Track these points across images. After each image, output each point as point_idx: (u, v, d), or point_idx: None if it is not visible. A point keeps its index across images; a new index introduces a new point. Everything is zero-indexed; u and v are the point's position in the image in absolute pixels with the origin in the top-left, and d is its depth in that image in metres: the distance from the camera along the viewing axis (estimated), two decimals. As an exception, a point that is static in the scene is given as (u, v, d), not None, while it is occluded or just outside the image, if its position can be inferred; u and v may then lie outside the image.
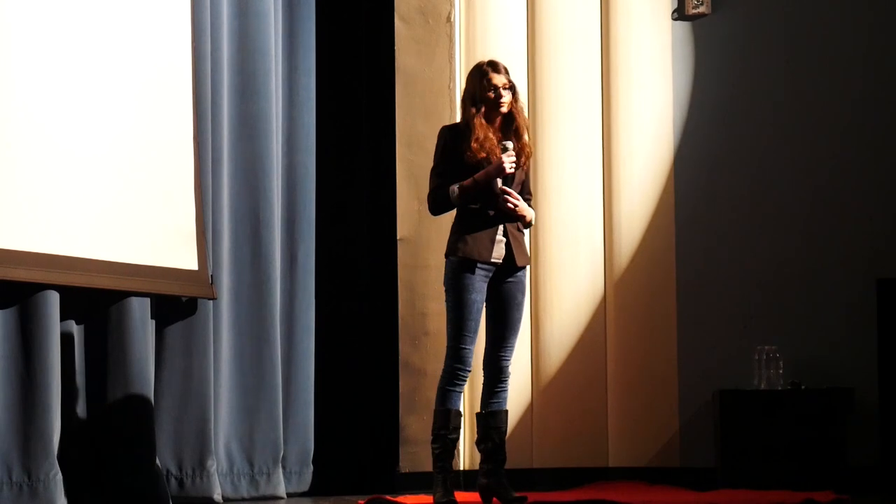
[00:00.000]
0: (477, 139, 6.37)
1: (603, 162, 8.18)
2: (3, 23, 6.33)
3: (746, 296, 8.02)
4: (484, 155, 6.37)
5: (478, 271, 6.40)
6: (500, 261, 6.43)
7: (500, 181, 6.37)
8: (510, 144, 6.40)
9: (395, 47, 8.22)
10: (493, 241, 6.41)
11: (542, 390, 8.07)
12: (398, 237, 8.10)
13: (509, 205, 6.37)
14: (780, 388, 7.69)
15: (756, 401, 7.66)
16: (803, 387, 7.67)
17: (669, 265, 8.07)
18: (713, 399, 7.83)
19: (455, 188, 6.40)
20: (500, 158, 6.35)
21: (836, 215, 7.98)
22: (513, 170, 6.38)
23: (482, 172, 6.38)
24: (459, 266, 6.40)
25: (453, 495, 6.41)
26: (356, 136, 8.45)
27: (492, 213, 6.39)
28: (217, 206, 7.47)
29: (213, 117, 7.43)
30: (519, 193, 6.47)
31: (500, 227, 6.43)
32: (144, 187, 6.97)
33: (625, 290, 8.08)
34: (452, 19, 8.20)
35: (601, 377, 8.08)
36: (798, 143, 8.04)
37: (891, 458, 7.52)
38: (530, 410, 8.07)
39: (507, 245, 6.44)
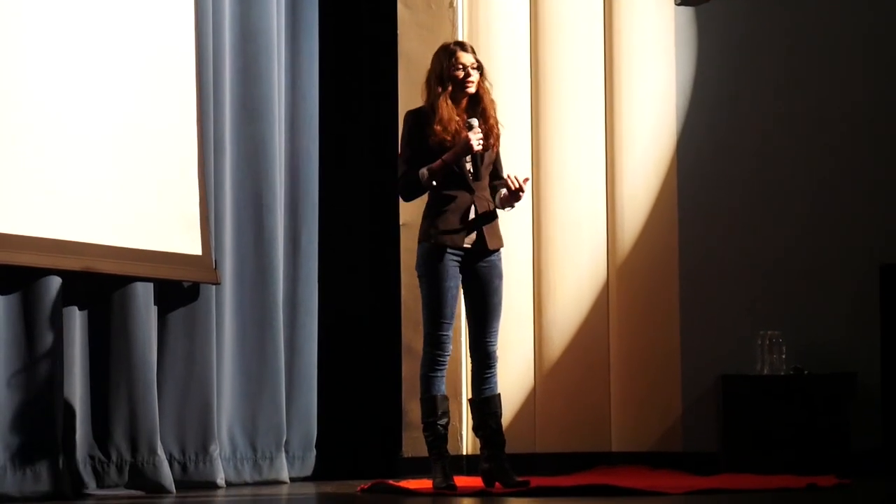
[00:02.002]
0: (441, 120, 6.34)
1: (606, 147, 8.17)
2: (4, 8, 6.33)
3: (749, 281, 8.01)
4: (448, 137, 6.34)
5: (449, 257, 6.38)
6: (471, 245, 6.41)
7: (506, 195, 6.36)
8: (475, 122, 6.35)
9: (398, 32, 8.21)
10: (464, 226, 6.38)
11: (545, 375, 8.07)
12: (401, 222, 8.10)
13: (510, 191, 6.38)
14: (782, 374, 7.70)
15: (759, 386, 7.66)
16: (806, 372, 7.68)
17: (672, 250, 8.06)
18: (716, 384, 7.83)
19: (424, 171, 6.38)
20: (467, 136, 6.33)
21: (840, 201, 7.97)
22: (480, 147, 6.36)
23: (450, 153, 6.34)
24: (431, 252, 6.39)
25: (452, 480, 6.42)
26: (359, 121, 8.44)
27: (507, 208, 6.42)
28: (219, 191, 7.47)
29: (216, 101, 7.42)
30: (492, 175, 6.46)
31: (472, 211, 6.40)
32: (147, 172, 6.97)
33: (627, 274, 8.08)
34: (455, 5, 8.19)
35: (604, 362, 8.09)
36: (801, 129, 8.03)
37: (894, 442, 7.52)
38: (533, 395, 8.08)
39: (479, 229, 6.42)
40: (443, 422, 6.45)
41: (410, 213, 8.06)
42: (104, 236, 6.71)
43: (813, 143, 8.02)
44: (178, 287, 7.17)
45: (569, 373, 8.05)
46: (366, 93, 8.44)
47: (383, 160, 8.24)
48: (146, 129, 6.98)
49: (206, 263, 7.23)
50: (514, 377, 7.99)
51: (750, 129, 8.08)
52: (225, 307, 7.47)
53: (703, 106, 8.11)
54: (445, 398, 6.47)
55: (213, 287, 7.28)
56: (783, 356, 7.73)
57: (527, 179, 6.45)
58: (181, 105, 7.17)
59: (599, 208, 8.15)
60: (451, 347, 6.45)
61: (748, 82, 8.09)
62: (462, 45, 6.48)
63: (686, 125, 8.12)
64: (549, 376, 8.07)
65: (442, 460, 6.44)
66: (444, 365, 6.45)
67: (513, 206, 6.49)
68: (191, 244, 7.16)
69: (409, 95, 8.09)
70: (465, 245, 6.39)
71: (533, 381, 8.09)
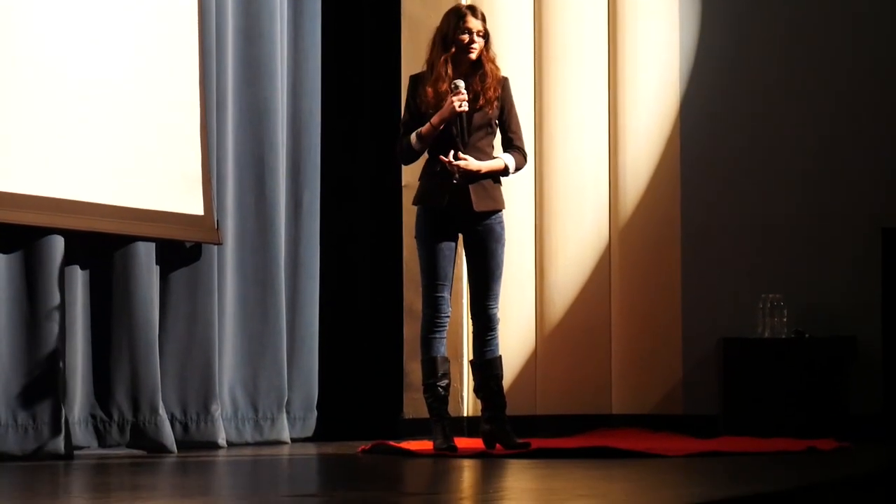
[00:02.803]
0: (434, 81, 6.34)
1: (609, 110, 8.16)
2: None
3: (751, 244, 8.02)
4: (438, 101, 6.31)
5: (439, 219, 6.39)
6: (458, 206, 6.37)
7: (451, 155, 6.31)
8: (461, 83, 6.32)
9: (401, -7, 8.20)
10: (449, 188, 6.38)
11: (546, 338, 8.08)
12: (403, 184, 8.09)
13: (460, 168, 6.32)
14: (783, 337, 7.71)
15: (760, 349, 7.67)
16: (807, 335, 7.69)
17: (674, 213, 8.06)
18: (717, 347, 7.84)
19: (414, 135, 6.38)
20: (451, 98, 6.32)
21: (842, 164, 7.97)
22: (464, 108, 6.33)
23: (436, 115, 6.34)
24: (422, 214, 6.43)
25: (452, 441, 6.44)
26: (361, 82, 8.43)
27: (455, 181, 6.35)
28: (222, 151, 7.46)
29: (218, 61, 7.41)
30: (491, 134, 6.43)
31: (458, 172, 6.38)
32: (150, 131, 6.97)
33: (629, 237, 8.08)
34: (459, -35, 8.16)
35: (605, 325, 8.10)
36: (804, 91, 8.02)
37: (894, 406, 7.54)
38: (534, 357, 8.09)
39: (466, 191, 6.40)
40: (443, 383, 6.47)
41: (412, 174, 8.02)
42: (106, 196, 6.71)
43: (815, 106, 8.01)
44: (180, 247, 7.17)
45: (570, 335, 8.06)
46: (368, 53, 8.43)
47: (386, 121, 8.23)
48: (148, 88, 6.97)
49: (208, 223, 7.23)
50: (515, 339, 8.00)
51: (753, 92, 8.07)
52: (227, 268, 7.48)
53: (706, 68, 8.10)
54: (446, 360, 6.49)
55: (215, 247, 7.28)
56: (784, 319, 7.74)
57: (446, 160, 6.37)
58: (183, 65, 7.16)
59: (602, 171, 8.14)
60: (448, 309, 6.46)
61: (751, 45, 8.07)
62: (473, 10, 6.44)
63: (689, 88, 8.10)
64: (551, 339, 8.08)
65: (442, 421, 6.46)
66: (442, 327, 6.46)
67: (466, 174, 6.36)
68: (193, 204, 7.16)
69: (412, 56, 8.08)
70: (450, 206, 6.38)
71: (534, 343, 8.10)
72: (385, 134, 8.24)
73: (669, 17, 8.12)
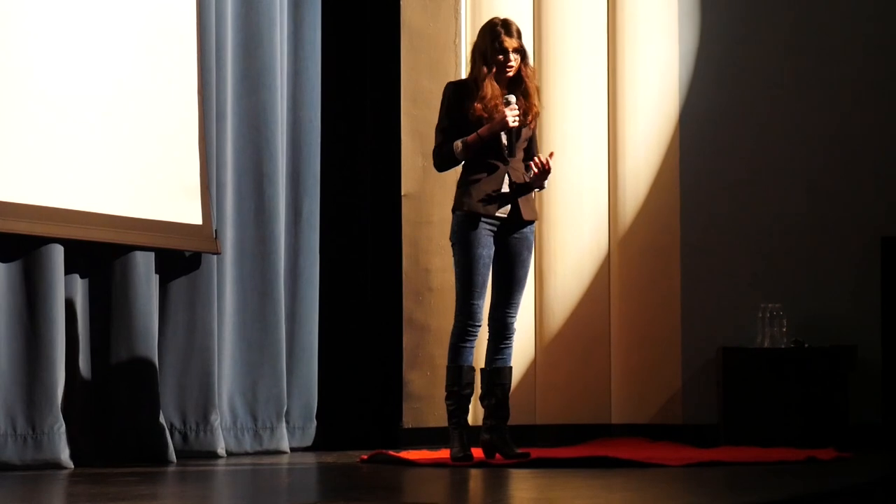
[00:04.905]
0: (482, 98, 6.37)
1: (608, 118, 8.16)
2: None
3: (750, 253, 8.02)
4: (486, 115, 6.36)
5: (483, 226, 6.40)
6: (506, 215, 6.43)
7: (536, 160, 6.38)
8: (513, 98, 6.38)
9: (401, 2, 8.18)
10: (498, 196, 6.41)
11: (546, 347, 8.08)
12: (402, 193, 8.09)
13: (537, 171, 6.39)
14: (783, 346, 7.70)
15: (759, 359, 7.67)
16: (806, 345, 7.68)
17: (674, 222, 8.06)
18: (716, 356, 7.84)
19: (459, 143, 6.40)
20: (503, 113, 6.34)
21: (842, 173, 7.97)
22: (516, 124, 6.37)
23: (486, 127, 6.37)
24: (465, 221, 6.41)
25: (469, 450, 6.45)
26: (361, 92, 8.42)
27: (539, 189, 6.47)
28: (221, 161, 7.46)
29: (218, 71, 7.41)
30: (526, 151, 6.47)
31: (506, 181, 6.42)
32: (149, 141, 6.97)
33: (629, 247, 8.08)
34: (458, -25, 8.17)
35: (605, 334, 8.09)
36: (804, 101, 8.02)
37: (893, 415, 7.54)
38: (534, 367, 8.09)
39: (514, 201, 6.44)
40: (466, 392, 6.49)
41: (412, 183, 8.06)
42: (105, 205, 6.71)
43: (815, 115, 8.01)
44: (180, 256, 7.17)
45: (570, 345, 8.05)
46: (368, 63, 8.42)
47: (386, 131, 8.23)
48: (147, 98, 6.97)
49: (207, 233, 7.23)
50: (515, 349, 7.93)
51: (752, 102, 8.07)
52: (226, 277, 7.48)
53: (705, 78, 8.10)
54: (472, 369, 6.51)
55: (215, 257, 7.28)
56: (784, 329, 7.73)
57: (552, 154, 6.44)
58: (183, 74, 7.16)
59: (601, 181, 8.14)
60: (482, 317, 6.47)
61: (751, 54, 8.08)
62: (507, 28, 6.44)
63: (689, 97, 8.10)
64: (550, 348, 8.08)
65: (460, 430, 6.48)
66: (474, 336, 6.46)
67: (543, 186, 6.52)
68: (191, 214, 7.16)
69: (412, 65, 8.09)
70: (498, 214, 6.41)
71: (534, 352, 8.10)
72: (385, 143, 8.24)
73: (668, 27, 8.12)
